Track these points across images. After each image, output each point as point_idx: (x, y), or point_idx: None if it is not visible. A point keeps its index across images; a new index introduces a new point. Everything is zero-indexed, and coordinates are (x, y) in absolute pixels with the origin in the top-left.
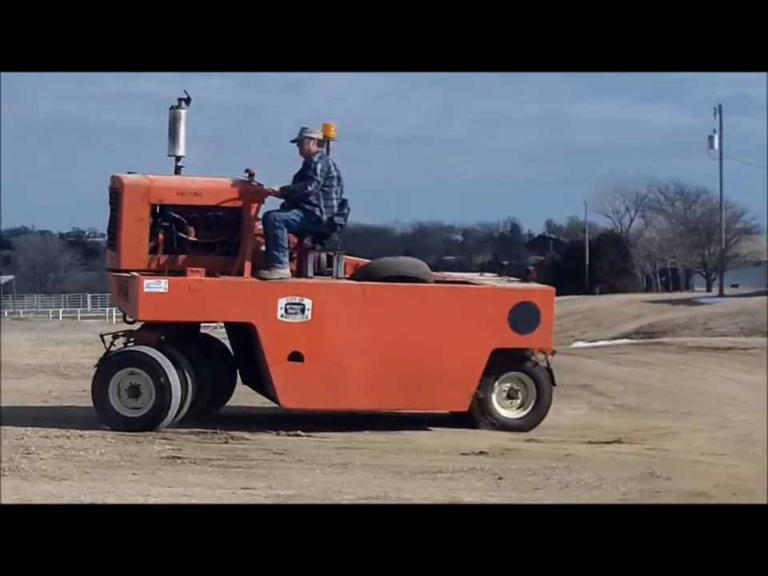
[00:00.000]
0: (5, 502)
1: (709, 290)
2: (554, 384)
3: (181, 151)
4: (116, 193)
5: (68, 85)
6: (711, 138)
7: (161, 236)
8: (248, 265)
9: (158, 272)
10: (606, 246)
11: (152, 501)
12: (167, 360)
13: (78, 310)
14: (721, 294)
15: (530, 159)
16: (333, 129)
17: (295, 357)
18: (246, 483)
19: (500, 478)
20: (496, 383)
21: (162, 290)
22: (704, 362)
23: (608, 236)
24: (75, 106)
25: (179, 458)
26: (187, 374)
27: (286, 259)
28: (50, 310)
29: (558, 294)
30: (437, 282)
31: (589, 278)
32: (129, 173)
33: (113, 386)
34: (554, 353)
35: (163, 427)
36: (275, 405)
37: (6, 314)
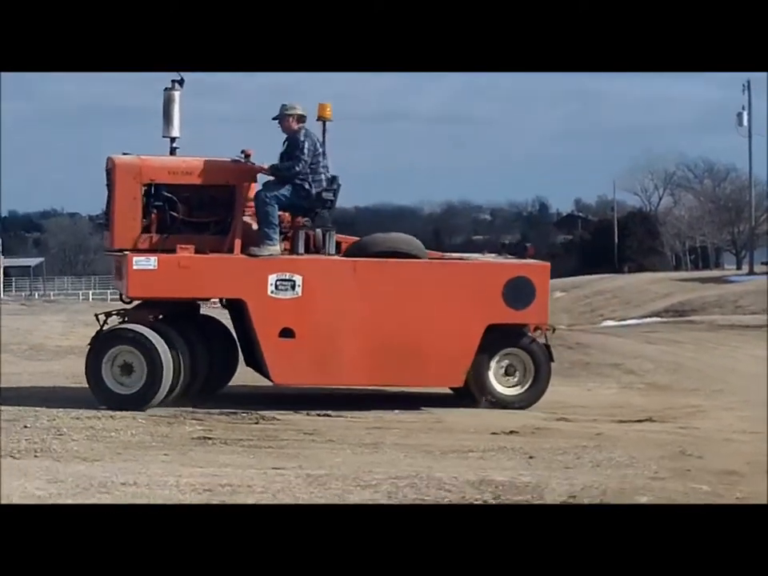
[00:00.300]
0: (38, 482)
1: (739, 268)
2: (551, 360)
3: (175, 132)
4: (109, 173)
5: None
6: (740, 114)
7: (153, 215)
8: (238, 242)
9: (150, 251)
10: (634, 225)
11: (184, 481)
12: (159, 338)
13: (108, 291)
14: (751, 272)
15: (559, 137)
16: (328, 109)
17: (286, 333)
18: (277, 463)
19: (531, 457)
20: (493, 360)
21: (151, 267)
22: (734, 341)
23: (637, 214)
24: (106, 88)
25: (210, 438)
26: (180, 353)
27: (276, 236)
28: (80, 292)
29: (586, 273)
30: (431, 258)
31: (618, 257)
32: (123, 154)
33: (105, 363)
34: (553, 330)
35: (154, 405)
36: (302, 387)
37: (37, 296)
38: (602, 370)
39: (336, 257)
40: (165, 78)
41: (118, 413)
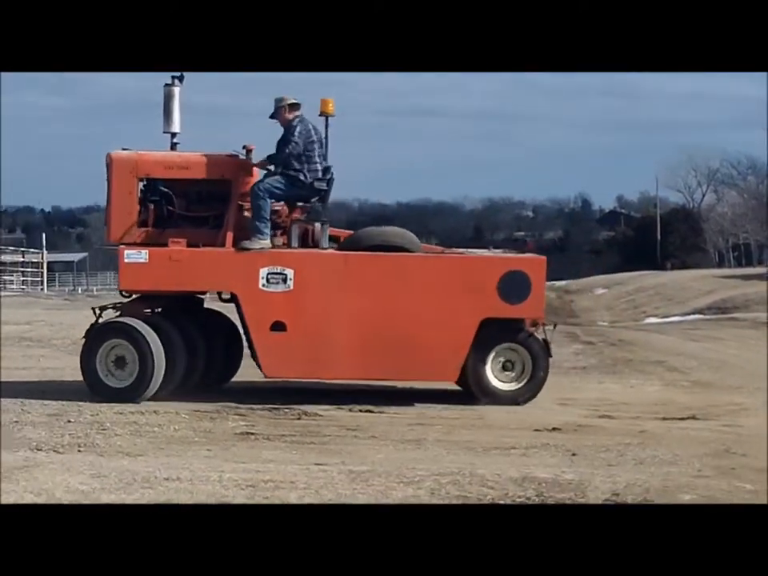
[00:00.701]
0: (82, 476)
1: None
2: (549, 356)
3: (175, 128)
4: (107, 169)
5: None
6: None
7: (150, 209)
8: (230, 236)
9: (145, 244)
10: (677, 221)
11: (227, 476)
12: (151, 331)
13: None
14: None
15: (601, 133)
16: (331, 104)
17: (278, 326)
18: (320, 459)
19: (573, 455)
20: (490, 355)
21: (142, 261)
22: None
23: (680, 211)
24: (150, 83)
25: (253, 433)
26: (176, 347)
27: (267, 230)
28: None
29: (628, 270)
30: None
31: (660, 254)
32: (123, 149)
33: (99, 356)
34: (554, 325)
35: (146, 398)
36: (348, 381)
37: (80, 291)
38: (644, 367)
39: (327, 250)
40: (211, 77)
41: (161, 408)
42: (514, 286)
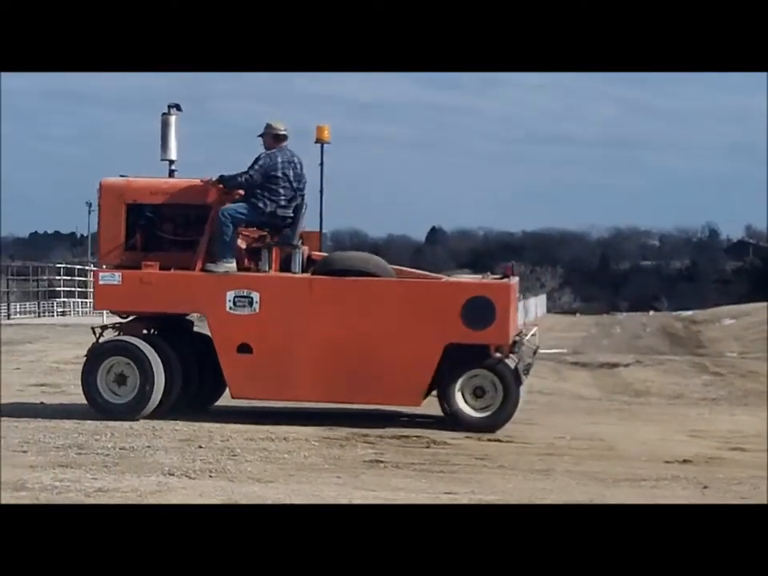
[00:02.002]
0: (214, 501)
1: None
2: (519, 382)
3: (172, 155)
4: (98, 194)
5: (259, 86)
6: None
7: (137, 233)
8: (202, 259)
9: (130, 267)
10: None
11: (355, 502)
12: (151, 349)
13: None
14: None
15: (730, 161)
16: (326, 131)
17: (244, 348)
18: (449, 488)
19: (705, 487)
20: (459, 380)
21: (115, 282)
22: None
23: None
24: (273, 110)
25: (382, 461)
26: (173, 366)
27: (232, 253)
28: None
29: (757, 300)
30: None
31: None
32: (120, 176)
33: (100, 374)
34: (535, 351)
35: (146, 415)
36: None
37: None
38: None
39: (292, 274)
40: (327, 98)
41: (291, 435)
42: (478, 312)
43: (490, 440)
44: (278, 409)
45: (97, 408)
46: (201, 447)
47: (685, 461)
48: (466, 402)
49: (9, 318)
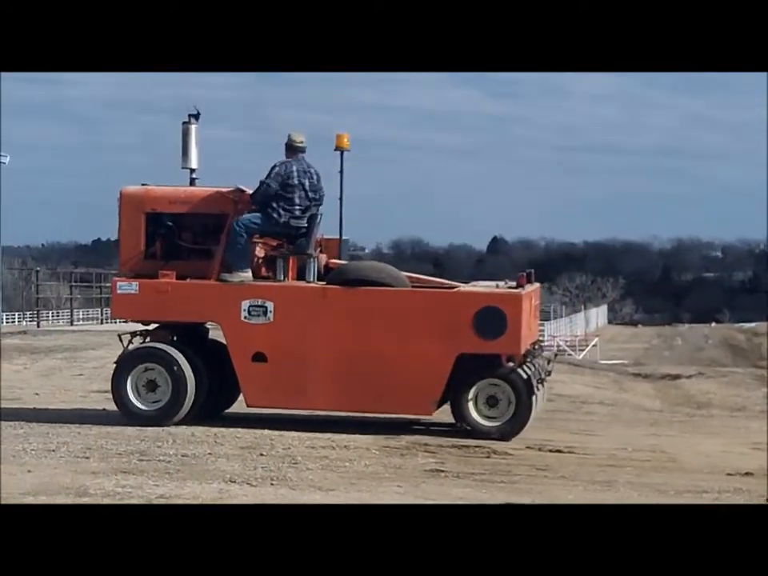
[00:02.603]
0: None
1: None
2: (532, 392)
3: (193, 164)
4: (119, 203)
5: (319, 96)
6: None
7: (155, 242)
8: (218, 268)
9: (150, 276)
10: None
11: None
12: (181, 355)
13: None
14: None
15: None
16: (345, 139)
17: (259, 357)
18: (510, 498)
19: (767, 500)
20: (471, 390)
21: (133, 292)
22: None
23: None
24: (332, 119)
25: (442, 471)
26: (201, 372)
27: (246, 263)
28: None
29: None
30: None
31: None
32: (142, 185)
33: (131, 381)
34: (549, 361)
35: (178, 420)
36: (532, 420)
37: None
38: None
39: (306, 283)
40: (390, 108)
41: (352, 443)
42: (489, 322)
43: (551, 450)
44: (339, 417)
45: (129, 416)
46: (262, 455)
47: (747, 473)
48: (478, 411)
49: (72, 324)
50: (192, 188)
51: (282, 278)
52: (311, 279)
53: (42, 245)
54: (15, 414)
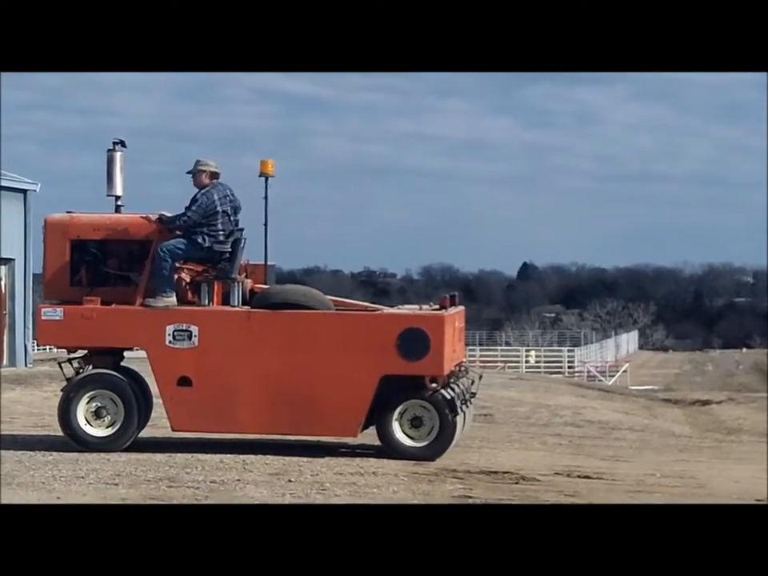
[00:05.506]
0: None
1: None
2: (454, 413)
3: (118, 191)
4: (43, 231)
5: (359, 127)
6: None
7: (82, 269)
8: (141, 294)
9: (75, 303)
10: None
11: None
12: (127, 380)
13: None
14: None
15: None
16: (270, 165)
17: (184, 381)
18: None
19: None
20: (396, 411)
21: (57, 318)
22: None
23: None
24: (369, 148)
25: (471, 497)
26: (139, 396)
27: (171, 288)
28: None
29: None
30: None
31: None
32: (67, 212)
33: (80, 408)
34: (473, 382)
35: (126, 445)
36: (561, 446)
37: None
38: None
39: (230, 308)
40: (425, 137)
41: (380, 469)
42: (413, 343)
43: (579, 476)
44: (366, 444)
45: (77, 442)
46: (290, 481)
47: None
48: (403, 432)
49: None
50: (117, 215)
51: (207, 303)
52: (236, 303)
53: None
54: (45, 441)
